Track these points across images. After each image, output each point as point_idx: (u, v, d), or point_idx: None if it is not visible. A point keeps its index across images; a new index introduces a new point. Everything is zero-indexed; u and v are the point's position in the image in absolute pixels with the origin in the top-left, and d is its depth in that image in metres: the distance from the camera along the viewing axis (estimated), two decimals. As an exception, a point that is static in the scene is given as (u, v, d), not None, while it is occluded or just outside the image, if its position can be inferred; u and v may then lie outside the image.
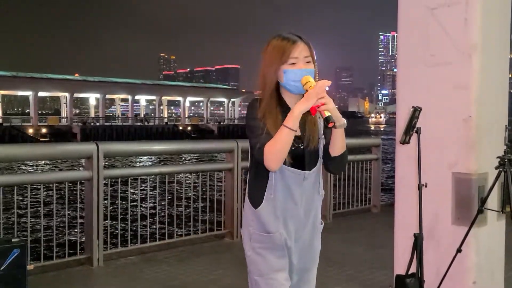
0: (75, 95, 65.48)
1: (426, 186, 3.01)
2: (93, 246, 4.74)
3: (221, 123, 73.51)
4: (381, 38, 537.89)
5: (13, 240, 3.58)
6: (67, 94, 62.76)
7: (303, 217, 2.21)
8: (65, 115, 63.63)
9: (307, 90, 2.04)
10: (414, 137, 3.02)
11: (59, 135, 55.06)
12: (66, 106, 64.07)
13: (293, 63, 2.11)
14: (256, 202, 2.19)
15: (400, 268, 3.58)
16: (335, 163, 2.24)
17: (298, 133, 2.13)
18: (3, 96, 64.69)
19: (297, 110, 2.03)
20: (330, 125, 1.99)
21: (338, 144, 2.17)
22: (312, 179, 2.21)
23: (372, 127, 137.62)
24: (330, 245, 5.73)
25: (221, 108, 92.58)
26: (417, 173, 3.05)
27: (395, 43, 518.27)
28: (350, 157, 7.66)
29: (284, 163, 2.11)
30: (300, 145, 2.17)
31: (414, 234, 3.03)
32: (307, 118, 2.16)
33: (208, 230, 5.87)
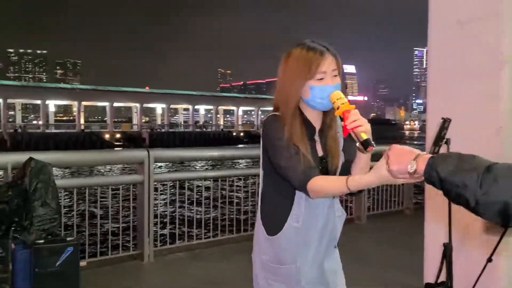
0: (145, 105, 67.05)
1: (455, 197, 2.67)
2: (144, 243, 4.63)
3: (270, 130, 73.17)
4: (416, 52, 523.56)
5: (68, 239, 3.48)
6: (137, 104, 64.42)
7: (324, 248, 1.81)
8: (136, 123, 65.28)
9: (338, 107, 1.60)
10: (443, 148, 2.69)
11: (131, 139, 56.55)
12: (137, 115, 65.74)
13: (321, 79, 1.67)
14: (274, 229, 1.75)
15: (430, 275, 3.23)
16: None
17: (321, 153, 1.76)
18: (86, 106, 67.10)
19: (369, 183, 1.47)
20: (370, 149, 1.54)
21: (363, 167, 1.73)
22: (330, 200, 1.79)
23: (407, 133, 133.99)
24: (362, 245, 5.39)
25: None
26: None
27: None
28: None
29: None
30: (324, 167, 1.75)
31: (444, 244, 2.69)
32: (328, 134, 1.78)
33: (251, 230, 5.66)
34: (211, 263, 4.76)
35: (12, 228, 3.40)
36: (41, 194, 3.56)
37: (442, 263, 2.69)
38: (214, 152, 5.07)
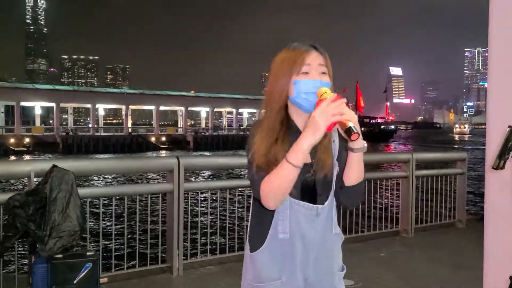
0: (189, 108, 67.99)
1: (526, 221, 2.22)
2: (173, 256, 4.37)
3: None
4: (467, 53, 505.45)
5: (87, 254, 3.25)
6: (182, 108, 65.42)
7: (312, 263, 1.59)
8: (181, 126, 66.26)
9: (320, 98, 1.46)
10: (510, 161, 2.24)
11: (176, 142, 57.48)
12: (182, 118, 66.71)
13: (306, 72, 1.53)
14: (256, 244, 1.59)
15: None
16: (349, 193, 1.60)
17: (308, 160, 1.54)
18: (133, 110, 68.81)
19: (306, 142, 1.41)
20: (354, 137, 1.39)
21: (356, 170, 1.55)
22: (325, 215, 1.60)
23: (456, 137, 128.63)
24: (412, 264, 4.90)
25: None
26: (514, 204, 2.27)
27: (480, 58, 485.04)
28: (433, 172, 6.71)
29: (292, 196, 1.53)
30: (310, 174, 1.57)
31: (510, 277, 2.24)
32: (319, 141, 1.54)
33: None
34: (244, 278, 4.44)
35: (30, 239, 3.22)
36: (61, 204, 3.35)
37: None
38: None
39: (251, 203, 1.68)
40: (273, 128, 1.55)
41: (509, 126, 2.23)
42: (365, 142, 1.48)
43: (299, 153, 1.42)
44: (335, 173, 1.60)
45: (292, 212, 1.56)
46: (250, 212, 1.68)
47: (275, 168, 1.47)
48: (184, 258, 4.51)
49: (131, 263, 4.51)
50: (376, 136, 74.78)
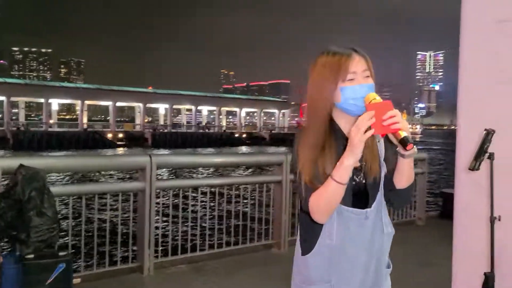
0: (148, 105, 66.78)
1: (499, 220, 2.34)
2: (144, 255, 4.30)
3: (272, 131, 73.19)
4: (419, 56, 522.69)
5: (60, 254, 3.15)
6: (140, 104, 64.14)
7: (364, 264, 1.62)
8: (139, 123, 65.00)
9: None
10: (485, 162, 2.36)
11: (133, 139, 56.31)
12: (140, 115, 65.45)
13: (351, 79, 1.53)
14: (307, 248, 1.64)
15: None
16: (401, 196, 1.65)
17: (357, 164, 1.55)
18: (89, 105, 66.83)
19: (347, 161, 1.45)
20: (409, 147, 1.41)
21: (408, 175, 1.59)
22: (373, 216, 1.62)
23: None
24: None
25: (273, 118, 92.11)
26: (488, 203, 2.38)
27: (432, 61, 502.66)
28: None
29: (343, 202, 1.54)
30: (360, 178, 1.60)
31: (485, 273, 2.35)
32: (366, 142, 1.56)
33: (256, 240, 5.31)
34: (215, 277, 4.42)
35: (6, 240, 3.10)
36: (36, 203, 3.24)
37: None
38: (222, 159, 4.73)
39: (299, 211, 1.71)
40: (319, 137, 1.55)
41: (485, 129, 2.34)
42: (415, 146, 1.47)
43: (343, 171, 1.46)
44: (382, 174, 1.62)
45: (341, 219, 1.58)
46: (299, 218, 1.70)
47: (324, 183, 1.50)
48: (155, 256, 4.45)
49: (102, 262, 4.40)
50: None
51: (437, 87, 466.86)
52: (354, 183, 1.57)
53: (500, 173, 2.42)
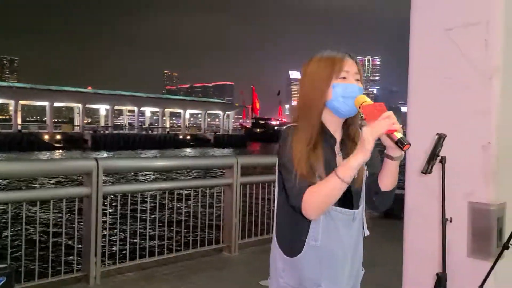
0: (87, 105, 64.40)
1: (451, 221, 2.42)
2: (90, 263, 4.10)
3: (217, 133, 73.01)
4: (358, 61, 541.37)
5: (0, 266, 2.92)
6: (80, 105, 61.70)
7: (350, 265, 1.65)
8: (78, 124, 62.53)
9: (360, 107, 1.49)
10: (437, 166, 2.43)
11: (72, 141, 54.10)
12: (79, 116, 62.95)
13: (344, 77, 1.57)
14: (293, 249, 1.59)
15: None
16: (386, 198, 1.65)
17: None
18: (23, 105, 63.42)
19: (355, 161, 1.43)
20: (406, 148, 1.41)
21: (395, 177, 1.61)
22: (359, 218, 1.65)
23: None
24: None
25: (217, 120, 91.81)
26: (440, 205, 2.46)
27: (370, 65, 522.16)
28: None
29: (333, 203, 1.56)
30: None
31: (437, 274, 2.42)
32: (350, 146, 1.62)
33: (207, 245, 5.22)
34: (165, 284, 4.30)
35: None
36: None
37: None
38: (174, 162, 4.61)
39: (280, 206, 1.64)
40: (311, 135, 1.53)
41: (437, 134, 2.41)
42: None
43: (349, 170, 1.43)
44: (365, 177, 1.64)
45: (329, 219, 1.56)
46: (278, 214, 1.65)
47: (323, 180, 1.48)
48: (103, 264, 4.26)
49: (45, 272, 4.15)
50: (271, 136, 78.35)
51: (375, 91, 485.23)
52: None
53: (448, 176, 2.51)
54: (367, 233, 1.70)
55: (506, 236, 2.75)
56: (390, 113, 1.40)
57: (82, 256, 4.20)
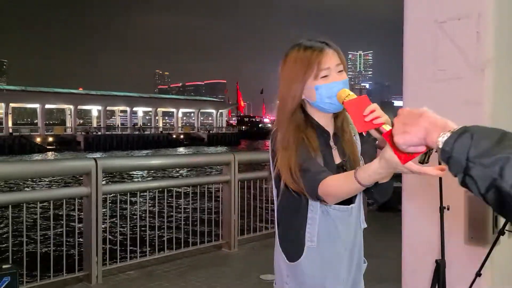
0: (79, 107, 64.10)
1: (448, 209, 2.49)
2: (91, 263, 4.14)
3: (210, 132, 72.98)
4: (349, 56, 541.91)
5: (4, 267, 2.96)
6: (71, 106, 61.36)
7: (348, 260, 1.62)
8: (70, 125, 62.22)
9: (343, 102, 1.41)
10: (434, 156, 2.50)
11: (64, 143, 53.87)
12: (71, 117, 62.61)
13: (325, 76, 1.48)
14: (293, 254, 1.57)
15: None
16: (382, 190, 1.55)
17: (339, 160, 1.57)
18: (14, 108, 62.99)
19: (379, 169, 1.22)
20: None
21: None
22: (356, 212, 1.62)
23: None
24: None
25: (210, 118, 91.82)
26: (434, 194, 2.53)
27: (362, 60, 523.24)
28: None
29: None
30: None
31: (436, 261, 2.50)
32: (344, 138, 1.59)
33: (206, 241, 5.27)
34: (166, 281, 4.35)
35: None
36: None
37: (434, 282, 2.48)
38: (172, 160, 4.65)
39: (278, 211, 1.61)
40: (289, 137, 1.49)
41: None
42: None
43: (368, 177, 1.27)
44: None
45: (327, 219, 1.54)
46: (280, 220, 1.62)
47: (343, 176, 1.40)
48: (104, 263, 4.30)
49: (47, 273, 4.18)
50: (255, 133, 79.23)
51: (367, 85, 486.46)
52: None
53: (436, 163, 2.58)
54: (364, 225, 1.68)
55: (501, 223, 2.83)
56: (375, 105, 1.32)
57: (84, 255, 4.23)
